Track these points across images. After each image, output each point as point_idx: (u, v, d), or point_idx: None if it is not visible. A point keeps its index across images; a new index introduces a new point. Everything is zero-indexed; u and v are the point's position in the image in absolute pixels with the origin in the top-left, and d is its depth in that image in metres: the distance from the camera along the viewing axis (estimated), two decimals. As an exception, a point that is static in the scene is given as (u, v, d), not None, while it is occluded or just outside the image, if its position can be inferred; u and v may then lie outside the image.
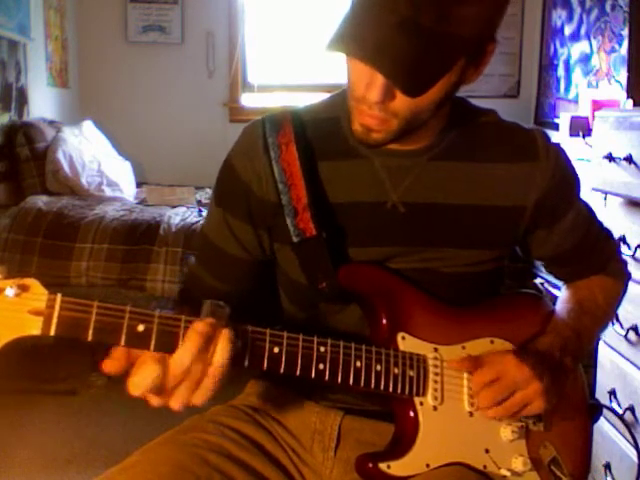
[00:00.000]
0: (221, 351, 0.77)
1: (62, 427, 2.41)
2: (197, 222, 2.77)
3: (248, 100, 4.37)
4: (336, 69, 4.26)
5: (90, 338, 0.73)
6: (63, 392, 2.66)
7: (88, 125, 3.71)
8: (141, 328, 0.75)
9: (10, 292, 0.71)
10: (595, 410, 1.09)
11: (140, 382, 0.75)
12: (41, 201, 2.90)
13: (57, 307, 0.72)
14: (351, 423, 1.01)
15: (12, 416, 2.44)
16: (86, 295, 2.66)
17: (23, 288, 0.72)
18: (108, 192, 3.33)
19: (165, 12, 4.23)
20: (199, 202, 3.33)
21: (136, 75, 4.27)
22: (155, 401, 0.77)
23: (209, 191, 3.63)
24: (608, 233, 1.15)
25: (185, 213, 2.95)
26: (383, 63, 0.79)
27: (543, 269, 1.17)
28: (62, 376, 2.79)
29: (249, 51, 4.37)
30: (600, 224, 1.13)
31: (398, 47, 0.78)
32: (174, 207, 3.09)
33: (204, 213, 2.95)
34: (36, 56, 3.58)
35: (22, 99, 3.40)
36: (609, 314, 1.14)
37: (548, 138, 1.03)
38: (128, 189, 3.54)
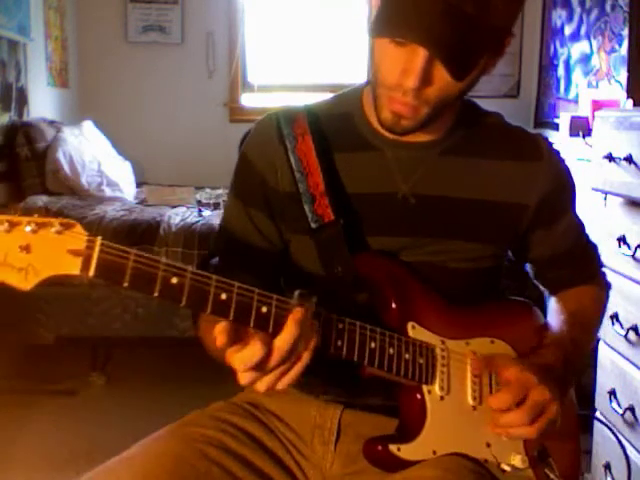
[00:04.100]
0: (311, 338, 0.80)
1: (62, 427, 2.41)
2: (197, 222, 2.77)
3: (248, 100, 4.37)
4: (336, 69, 4.26)
5: (126, 284, 0.74)
6: (63, 392, 2.66)
7: (88, 125, 3.71)
8: (175, 281, 0.76)
9: (53, 229, 0.72)
10: (587, 419, 1.11)
11: (246, 359, 0.76)
12: (41, 201, 2.90)
13: (97, 249, 0.73)
14: (351, 417, 1.02)
15: (12, 416, 2.44)
16: (86, 295, 2.66)
17: (66, 226, 0.73)
18: (108, 192, 3.33)
19: (165, 12, 4.23)
20: (199, 202, 3.32)
21: (136, 75, 4.27)
22: (247, 377, 0.78)
23: (209, 191, 3.63)
24: (595, 247, 1.19)
25: (185, 213, 2.94)
26: (433, 46, 0.83)
27: (532, 275, 1.19)
28: (62, 376, 2.79)
29: (249, 51, 4.37)
30: (587, 237, 1.17)
31: (445, 32, 0.82)
32: (174, 207, 3.08)
33: (204, 213, 2.95)
34: (36, 56, 3.58)
35: (22, 99, 3.40)
36: (598, 326, 1.16)
37: (550, 143, 1.08)
38: (128, 189, 3.54)
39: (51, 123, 3.46)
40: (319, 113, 1.04)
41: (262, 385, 0.79)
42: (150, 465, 0.88)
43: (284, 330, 0.78)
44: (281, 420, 1.04)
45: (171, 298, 0.76)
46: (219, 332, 0.77)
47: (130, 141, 4.10)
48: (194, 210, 3.02)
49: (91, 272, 0.73)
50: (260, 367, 0.78)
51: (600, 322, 1.17)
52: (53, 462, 2.17)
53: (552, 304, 1.14)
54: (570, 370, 1.00)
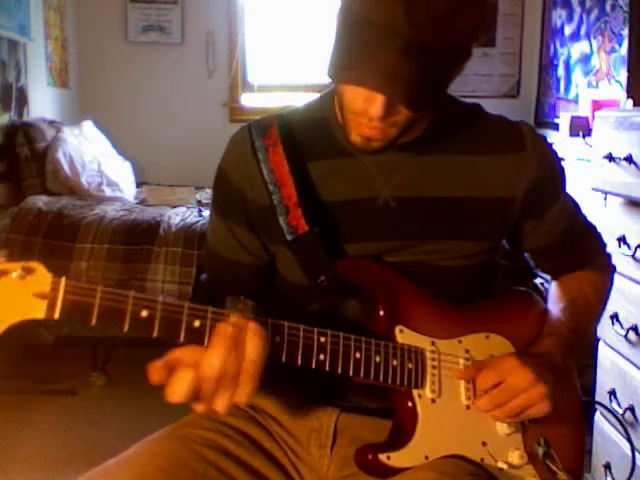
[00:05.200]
0: (251, 345, 0.77)
1: (62, 427, 2.41)
2: (197, 222, 2.77)
3: (248, 100, 4.37)
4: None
5: (94, 323, 0.73)
6: (63, 392, 2.66)
7: (88, 125, 3.71)
8: (144, 314, 0.75)
9: (15, 275, 0.70)
10: (588, 407, 1.10)
11: (177, 389, 0.74)
12: (41, 201, 2.90)
13: (61, 290, 0.72)
14: (347, 420, 1.02)
15: (12, 416, 2.43)
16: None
17: (28, 271, 0.71)
18: (108, 192, 3.33)
19: (165, 12, 4.23)
20: (199, 202, 3.32)
21: (136, 75, 4.27)
22: (198, 407, 0.77)
23: (209, 191, 3.63)
24: (592, 227, 1.16)
25: (185, 213, 2.94)
26: (395, 90, 0.81)
27: (532, 264, 1.17)
28: (62, 376, 2.79)
29: (249, 51, 4.37)
30: (584, 218, 1.14)
31: (407, 72, 0.80)
32: (174, 207, 3.08)
33: (204, 213, 2.95)
34: (36, 56, 3.58)
35: (22, 99, 3.39)
36: (600, 310, 1.15)
37: (534, 130, 1.05)
38: (128, 189, 3.54)
39: (51, 123, 3.46)
40: (292, 121, 1.02)
41: (218, 406, 0.77)
42: (147, 466, 0.88)
43: (207, 351, 0.76)
44: (278, 423, 1.03)
45: (142, 331, 0.75)
46: (153, 370, 0.75)
47: (130, 141, 4.10)
48: (194, 210, 3.02)
49: (56, 314, 0.72)
50: (198, 393, 0.76)
51: (603, 308, 1.15)
52: (53, 462, 2.17)
53: (552, 290, 1.12)
54: (570, 360, 0.99)
